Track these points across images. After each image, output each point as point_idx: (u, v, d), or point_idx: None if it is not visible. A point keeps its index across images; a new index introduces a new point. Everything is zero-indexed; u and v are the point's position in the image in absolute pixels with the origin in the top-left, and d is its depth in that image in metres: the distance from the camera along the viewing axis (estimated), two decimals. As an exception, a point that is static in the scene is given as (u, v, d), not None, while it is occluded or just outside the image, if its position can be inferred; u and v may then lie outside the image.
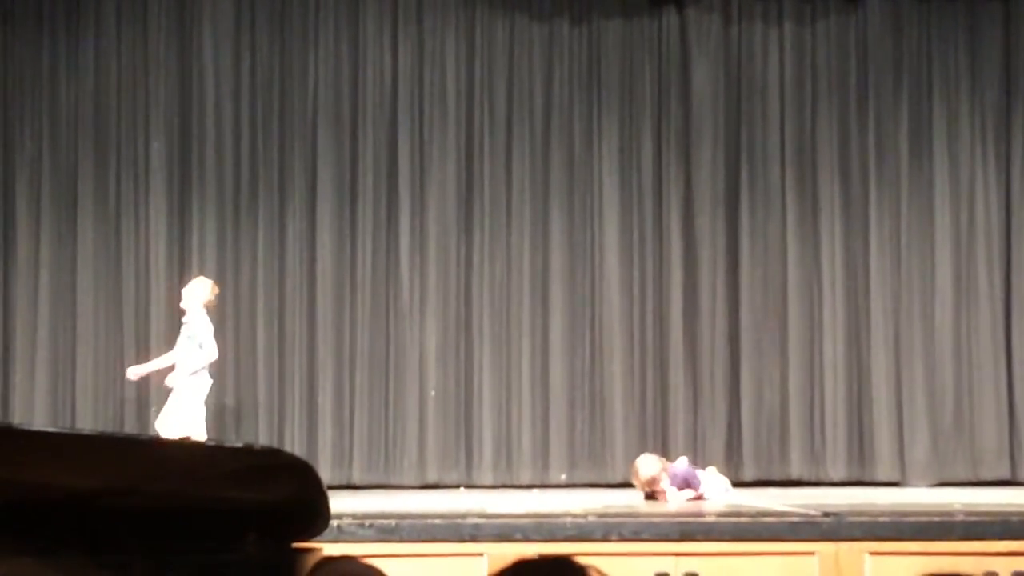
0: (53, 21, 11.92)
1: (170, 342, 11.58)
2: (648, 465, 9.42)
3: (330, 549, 3.86)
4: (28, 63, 11.89)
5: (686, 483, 9.26)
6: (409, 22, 12.04)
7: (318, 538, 3.71)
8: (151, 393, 11.60)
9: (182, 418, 10.36)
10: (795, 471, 11.76)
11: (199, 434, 10.35)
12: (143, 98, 11.90)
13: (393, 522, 7.05)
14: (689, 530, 7.20)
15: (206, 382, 10.54)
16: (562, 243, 11.96)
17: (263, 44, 12.00)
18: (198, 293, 10.60)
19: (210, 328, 10.54)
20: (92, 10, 11.93)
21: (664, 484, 9.33)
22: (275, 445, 10.63)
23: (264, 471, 3.41)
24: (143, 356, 11.61)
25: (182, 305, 10.63)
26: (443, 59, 12.07)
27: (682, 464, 9.78)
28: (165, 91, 11.91)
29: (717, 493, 9.76)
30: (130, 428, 11.52)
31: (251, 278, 11.84)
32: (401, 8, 12.04)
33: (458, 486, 11.62)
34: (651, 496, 9.43)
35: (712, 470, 10.32)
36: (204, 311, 10.56)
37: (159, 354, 11.57)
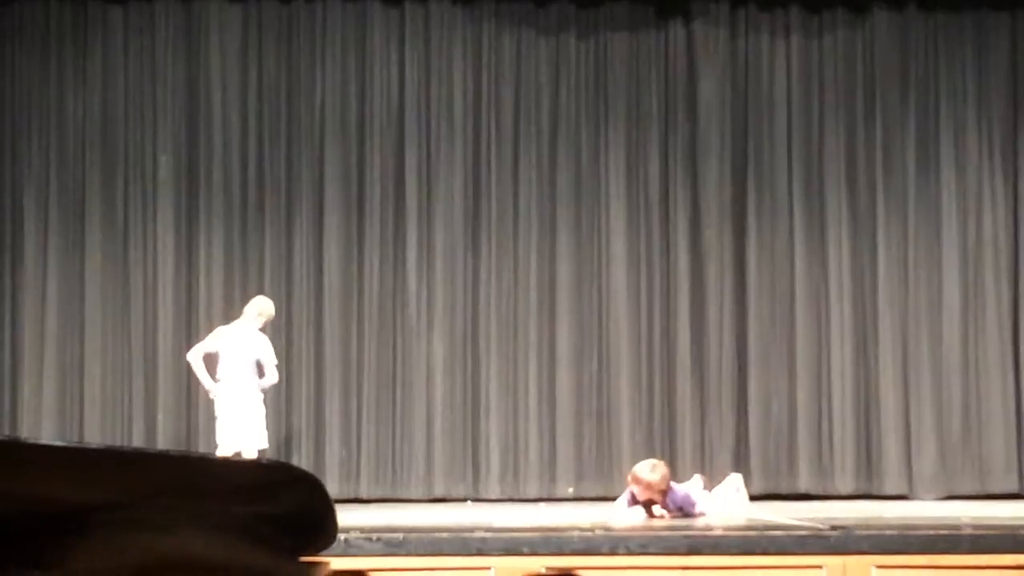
0: (60, 36, 11.95)
1: (177, 355, 11.61)
2: (647, 471, 9.12)
3: (338, 563, 3.86)
4: (35, 77, 11.93)
5: (681, 511, 9.03)
6: (416, 36, 12.06)
7: (326, 552, 3.71)
8: (159, 406, 11.65)
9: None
10: (803, 484, 11.76)
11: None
12: (150, 112, 11.93)
13: (400, 536, 7.04)
14: (696, 544, 7.18)
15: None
16: (569, 256, 11.97)
17: (270, 58, 12.03)
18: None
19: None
20: (99, 24, 11.96)
21: (657, 504, 9.02)
22: (282, 459, 10.65)
23: (272, 485, 3.41)
24: (151, 369, 11.65)
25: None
26: (450, 73, 12.09)
27: (685, 488, 9.58)
28: (172, 105, 11.94)
29: (726, 508, 9.67)
30: (138, 442, 11.52)
31: (258, 292, 11.84)
32: (408, 23, 12.07)
33: (465, 500, 11.63)
34: (636, 502, 9.11)
35: (736, 478, 10.16)
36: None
37: (167, 367, 11.63)
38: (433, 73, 12.09)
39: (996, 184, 12.10)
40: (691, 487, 9.80)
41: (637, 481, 8.94)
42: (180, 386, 11.66)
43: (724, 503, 9.68)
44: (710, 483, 10.14)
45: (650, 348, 11.95)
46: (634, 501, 9.04)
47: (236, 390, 10.50)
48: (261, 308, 10.74)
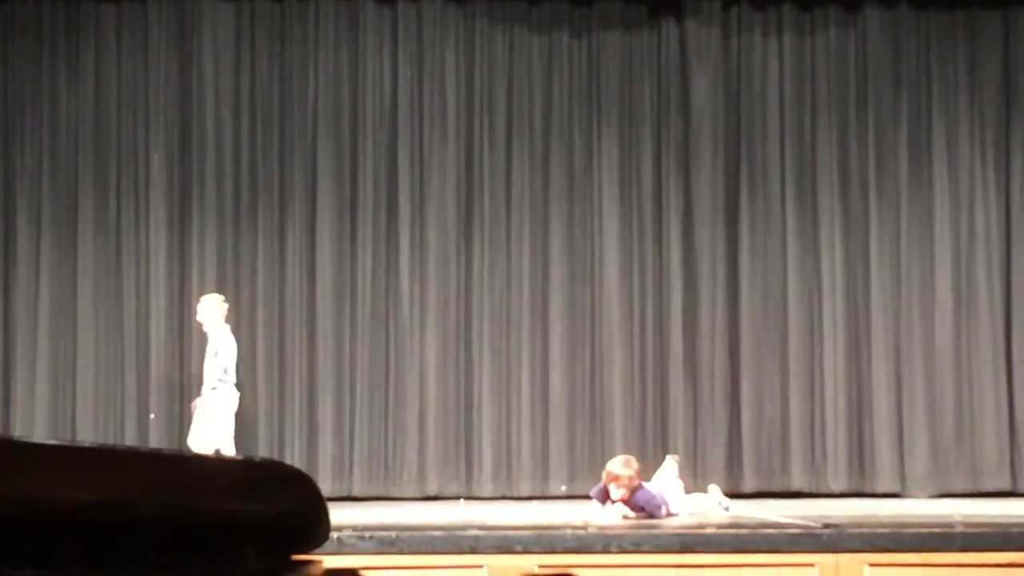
0: (53, 35, 11.93)
1: (170, 354, 11.61)
2: (618, 465, 9.13)
3: (331, 561, 3.87)
4: (28, 77, 11.90)
5: (642, 511, 9.03)
6: (409, 35, 12.05)
7: (318, 550, 3.71)
8: (151, 404, 11.64)
9: (209, 432, 10.57)
10: (795, 483, 11.75)
11: (228, 448, 10.53)
12: (143, 111, 11.90)
13: (393, 534, 7.06)
14: (689, 542, 7.21)
15: (232, 395, 10.71)
16: (562, 255, 11.97)
17: (263, 57, 12.01)
18: (217, 309, 10.79)
19: (233, 343, 10.86)
20: (92, 23, 11.94)
21: (619, 497, 9.02)
22: (275, 457, 10.64)
23: (264, 483, 3.42)
24: (143, 369, 11.64)
25: (200, 319, 10.82)
26: (443, 72, 12.07)
27: (657, 483, 9.55)
28: (165, 104, 11.91)
29: (696, 506, 9.66)
30: (130, 441, 11.51)
31: (251, 290, 11.85)
32: (401, 21, 12.05)
33: (458, 498, 11.62)
34: (606, 496, 9.14)
35: (714, 489, 10.20)
36: (226, 326, 10.85)
37: (159, 366, 11.64)
38: (426, 71, 12.08)
39: (988, 182, 12.11)
40: (664, 473, 9.83)
41: (609, 475, 9.05)
42: (172, 385, 11.65)
43: (673, 490, 9.66)
44: (683, 461, 10.21)
45: (643, 347, 11.94)
46: (605, 496, 9.10)
47: (205, 392, 10.66)
48: (211, 306, 10.85)
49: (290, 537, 3.58)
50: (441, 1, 12.08)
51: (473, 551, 6.99)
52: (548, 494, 11.64)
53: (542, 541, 7.16)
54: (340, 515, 5.95)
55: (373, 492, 11.65)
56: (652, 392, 11.89)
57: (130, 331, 11.74)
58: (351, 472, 11.73)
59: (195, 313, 11.03)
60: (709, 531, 7.67)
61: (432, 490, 11.68)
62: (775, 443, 11.85)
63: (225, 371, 10.72)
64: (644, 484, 9.19)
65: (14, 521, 3.26)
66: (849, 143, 12.08)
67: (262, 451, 11.40)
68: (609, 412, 11.84)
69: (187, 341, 11.44)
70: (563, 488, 11.68)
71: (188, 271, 11.81)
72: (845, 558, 7.03)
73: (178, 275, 11.79)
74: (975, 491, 11.65)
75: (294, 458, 11.38)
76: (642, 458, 11.06)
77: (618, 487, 9.01)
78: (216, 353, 10.75)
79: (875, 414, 11.85)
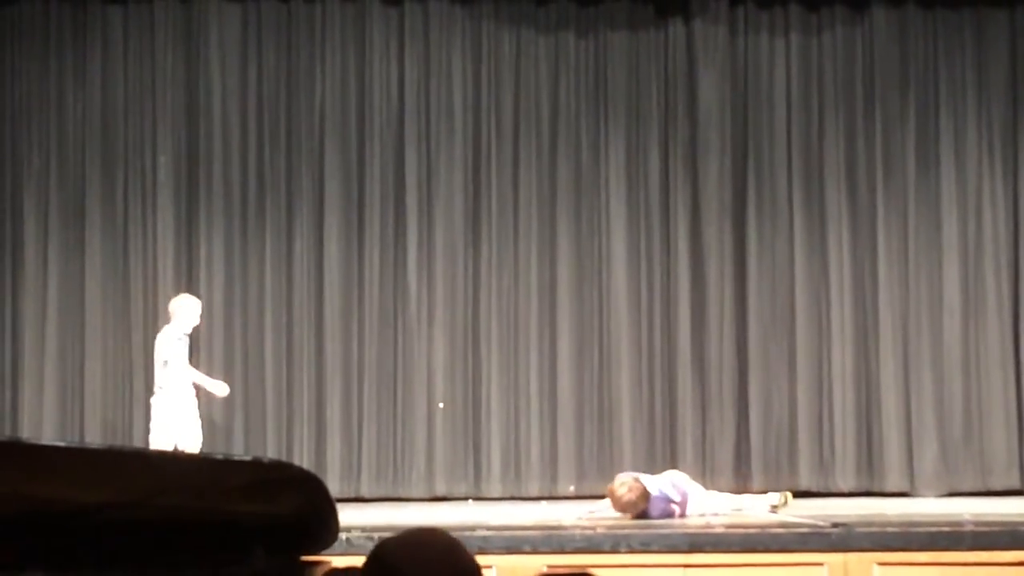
0: (60, 36, 11.94)
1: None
2: (624, 490, 9.11)
3: (339, 562, 3.87)
4: (35, 78, 11.92)
5: (665, 515, 9.03)
6: (416, 36, 12.06)
7: (327, 551, 3.71)
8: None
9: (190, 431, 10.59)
10: (804, 482, 11.74)
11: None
12: (150, 113, 11.91)
13: (402, 535, 7.03)
14: (698, 541, 7.20)
15: None
16: (569, 255, 11.96)
17: (270, 58, 12.02)
18: None
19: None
20: (99, 25, 11.96)
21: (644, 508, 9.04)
22: (283, 458, 10.64)
23: (272, 484, 3.42)
24: (151, 370, 11.64)
25: (194, 322, 10.80)
26: (450, 73, 12.08)
27: (664, 495, 9.49)
28: (172, 105, 11.93)
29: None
30: (139, 442, 11.52)
31: (259, 292, 11.85)
32: (408, 22, 12.06)
33: (466, 498, 11.62)
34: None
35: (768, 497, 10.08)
36: None
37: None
38: (433, 72, 12.08)
39: (996, 181, 12.09)
40: (701, 492, 9.67)
41: (612, 496, 9.04)
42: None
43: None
44: (692, 461, 10.14)
45: (651, 346, 11.94)
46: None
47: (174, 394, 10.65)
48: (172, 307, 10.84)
49: (298, 538, 3.58)
50: (448, 2, 12.09)
51: (482, 551, 6.98)
52: (557, 494, 11.64)
53: (551, 541, 7.16)
54: (349, 516, 5.95)
55: (381, 493, 11.66)
56: (660, 391, 11.88)
57: (138, 333, 11.74)
58: (359, 473, 11.73)
59: (193, 313, 10.95)
60: (718, 531, 7.67)
61: (440, 490, 11.68)
62: (783, 442, 11.84)
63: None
64: (652, 493, 9.08)
65: (23, 522, 3.26)
66: (856, 142, 12.06)
67: (270, 452, 11.40)
68: (617, 411, 11.84)
69: (195, 342, 11.43)
70: (572, 488, 11.67)
71: (196, 272, 11.82)
72: (854, 557, 7.02)
73: (186, 276, 11.80)
74: (984, 490, 11.63)
75: (302, 459, 11.38)
76: (651, 458, 11.09)
77: (617, 508, 9.01)
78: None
79: (884, 413, 11.84)
